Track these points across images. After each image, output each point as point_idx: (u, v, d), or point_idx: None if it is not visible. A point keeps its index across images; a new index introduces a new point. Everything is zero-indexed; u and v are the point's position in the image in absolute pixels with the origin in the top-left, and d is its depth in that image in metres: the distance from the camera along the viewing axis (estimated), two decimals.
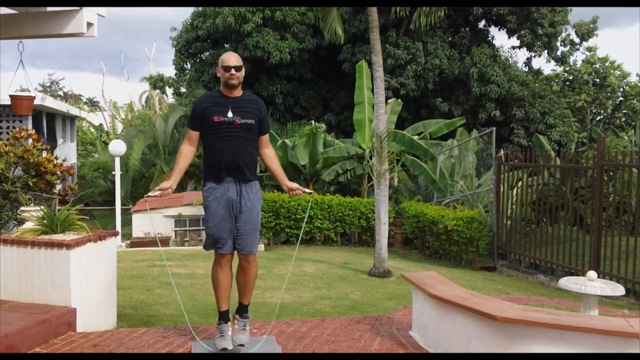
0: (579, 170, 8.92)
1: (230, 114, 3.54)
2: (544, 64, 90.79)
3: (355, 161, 14.23)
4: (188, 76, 21.24)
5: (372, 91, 8.54)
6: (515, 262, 9.24)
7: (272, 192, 11.72)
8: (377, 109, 8.38)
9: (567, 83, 23.42)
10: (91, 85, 75.97)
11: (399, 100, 15.22)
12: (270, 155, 3.80)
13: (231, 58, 3.58)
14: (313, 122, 14.79)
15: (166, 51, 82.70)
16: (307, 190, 3.75)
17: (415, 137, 14.86)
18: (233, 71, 3.54)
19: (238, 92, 3.65)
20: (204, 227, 3.83)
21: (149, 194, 3.55)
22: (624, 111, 22.54)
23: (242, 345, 3.61)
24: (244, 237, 3.59)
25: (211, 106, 3.57)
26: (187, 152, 3.65)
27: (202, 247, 3.69)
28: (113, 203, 14.03)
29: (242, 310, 3.77)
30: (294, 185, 3.77)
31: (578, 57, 25.43)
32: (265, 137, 3.77)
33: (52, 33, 5.05)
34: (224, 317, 3.72)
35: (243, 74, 3.63)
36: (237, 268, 3.72)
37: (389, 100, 14.58)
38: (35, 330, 3.87)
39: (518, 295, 6.89)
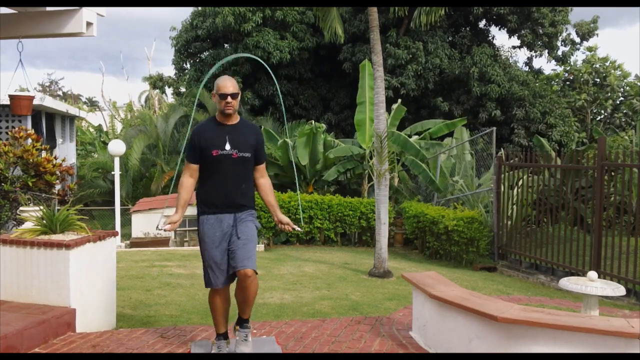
0: (579, 170, 8.92)
1: (227, 147, 3.49)
2: (545, 64, 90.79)
3: (355, 161, 14.22)
4: (188, 76, 21.23)
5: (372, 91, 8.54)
6: (516, 263, 9.23)
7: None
8: (377, 109, 8.36)
9: (568, 83, 23.42)
10: (91, 85, 75.99)
11: (399, 100, 15.22)
12: (265, 185, 3.73)
13: (227, 85, 3.49)
14: (313, 121, 14.78)
15: (166, 51, 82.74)
16: (297, 228, 3.67)
17: (416, 137, 14.88)
18: (229, 99, 3.47)
19: (235, 119, 3.59)
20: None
21: (159, 227, 3.54)
22: (624, 111, 22.54)
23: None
24: (238, 248, 3.47)
25: (208, 138, 3.51)
26: (189, 185, 3.60)
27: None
28: (112, 203, 14.02)
29: (243, 321, 3.69)
30: (285, 219, 3.68)
31: (578, 57, 25.42)
32: (262, 167, 3.72)
33: (52, 33, 5.04)
34: (222, 336, 3.71)
35: (239, 99, 3.56)
36: (236, 286, 3.62)
37: (393, 105, 14.59)
38: (34, 331, 3.86)
39: (518, 296, 6.88)
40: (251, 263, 3.46)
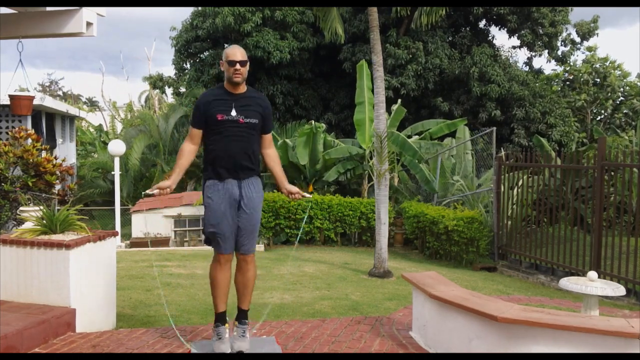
0: (579, 170, 8.92)
1: (233, 112, 3.45)
2: (545, 64, 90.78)
3: (355, 161, 14.22)
4: (188, 76, 21.23)
5: (372, 91, 8.53)
6: (516, 263, 9.23)
7: (272, 192, 11.71)
8: (377, 109, 8.36)
9: (568, 83, 23.42)
10: (91, 85, 76.09)
11: (399, 101, 15.22)
12: (272, 155, 3.71)
13: (236, 52, 3.48)
14: (313, 121, 14.78)
15: (166, 51, 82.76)
16: (307, 195, 3.66)
17: (416, 137, 14.87)
18: (238, 66, 3.44)
19: (242, 89, 3.55)
20: (203, 227, 3.73)
21: (147, 191, 3.45)
22: (624, 111, 22.54)
23: (242, 352, 3.56)
24: (243, 236, 3.53)
25: (215, 104, 3.47)
26: (189, 151, 3.56)
27: (202, 247, 3.65)
28: (112, 203, 14.02)
29: (241, 316, 3.70)
30: (294, 188, 3.68)
31: (578, 57, 25.43)
32: (268, 137, 3.69)
33: (52, 33, 5.04)
34: (221, 318, 3.66)
35: (247, 69, 3.52)
36: (235, 269, 3.66)
37: (393, 106, 14.59)
38: (34, 331, 3.86)
39: (518, 296, 6.88)
40: (254, 249, 3.62)
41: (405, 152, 12.93)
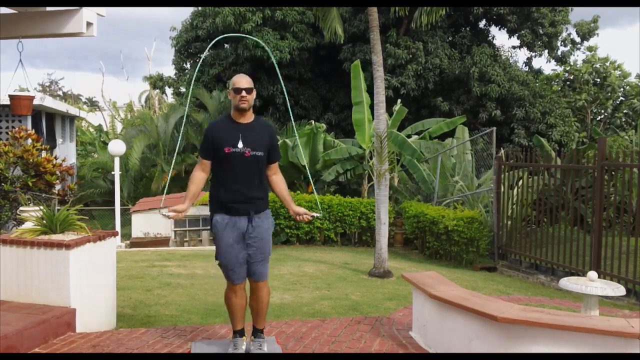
0: (579, 170, 8.91)
1: (240, 145, 3.49)
2: (545, 64, 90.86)
3: (355, 161, 14.22)
4: (188, 76, 21.25)
5: (372, 91, 8.54)
6: (516, 263, 9.23)
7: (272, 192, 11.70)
8: (377, 109, 8.36)
9: (568, 83, 23.42)
10: (91, 85, 76.12)
11: (398, 101, 15.22)
12: (278, 181, 3.74)
13: (242, 80, 3.54)
14: (313, 122, 14.79)
15: (166, 51, 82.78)
16: (316, 215, 3.68)
17: (415, 137, 14.88)
18: (244, 93, 3.49)
19: (249, 117, 3.59)
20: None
21: (163, 212, 3.55)
22: (624, 111, 22.55)
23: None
24: (255, 264, 3.57)
25: (222, 135, 3.52)
26: (200, 179, 3.62)
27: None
28: (113, 203, 14.02)
29: (257, 332, 3.73)
30: (301, 210, 3.71)
31: (578, 57, 25.43)
32: (275, 165, 3.72)
33: (52, 33, 5.04)
34: (238, 333, 3.71)
35: (254, 96, 3.58)
36: (249, 293, 3.68)
37: (395, 107, 14.59)
38: (34, 331, 3.86)
39: (518, 296, 6.88)
40: (265, 274, 3.65)
41: (404, 151, 12.94)
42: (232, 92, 3.53)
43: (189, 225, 13.17)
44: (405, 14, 11.23)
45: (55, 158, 5.81)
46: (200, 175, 3.62)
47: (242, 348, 3.64)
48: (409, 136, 15.02)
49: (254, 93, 3.58)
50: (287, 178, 14.78)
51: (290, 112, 4.37)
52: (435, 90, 19.24)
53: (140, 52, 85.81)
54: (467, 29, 21.20)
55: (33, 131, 6.11)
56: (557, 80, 23.80)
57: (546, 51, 21.72)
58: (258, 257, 3.56)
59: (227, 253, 3.51)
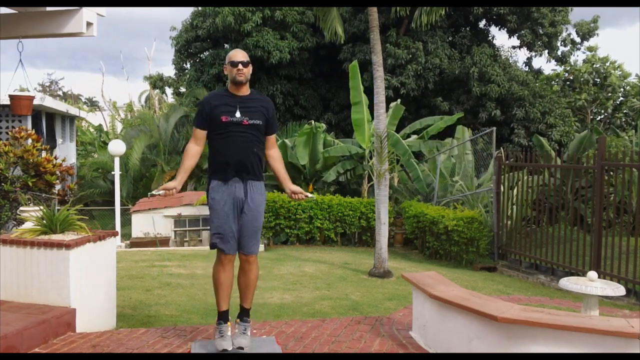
0: (579, 170, 8.91)
1: (238, 114, 3.51)
2: (545, 64, 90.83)
3: (355, 161, 14.22)
4: (188, 76, 21.25)
5: (372, 91, 8.54)
6: (516, 263, 9.23)
7: (272, 192, 11.71)
8: (377, 109, 8.36)
9: (568, 83, 23.43)
10: (90, 85, 76.09)
11: (398, 101, 15.21)
12: (275, 156, 3.76)
13: (238, 54, 3.56)
14: (313, 121, 14.79)
15: (166, 51, 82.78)
16: (310, 195, 3.71)
17: (414, 137, 14.88)
18: (240, 66, 3.51)
19: (246, 90, 3.61)
20: (206, 227, 3.78)
21: (153, 192, 3.51)
22: (624, 111, 22.55)
23: (242, 348, 3.58)
24: (246, 237, 3.58)
25: (219, 105, 3.53)
26: (194, 152, 3.61)
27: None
28: (113, 203, 14.02)
29: (243, 314, 3.74)
30: (297, 188, 3.73)
31: (579, 57, 25.43)
32: (272, 138, 3.73)
33: (52, 33, 5.04)
34: (223, 317, 3.69)
35: (250, 70, 3.59)
36: (238, 270, 3.70)
37: (392, 104, 14.58)
38: (34, 331, 3.86)
39: (518, 296, 6.88)
40: (257, 250, 3.66)
41: (397, 151, 12.96)
42: (228, 65, 3.55)
43: (189, 225, 13.18)
44: (405, 14, 11.25)
45: (55, 158, 5.80)
46: (194, 149, 3.60)
47: (228, 334, 3.64)
48: (408, 136, 15.03)
49: (251, 67, 3.60)
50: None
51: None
52: (435, 90, 19.24)
53: (140, 52, 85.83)
54: (467, 29, 21.20)
55: (33, 131, 6.11)
56: (557, 80, 23.81)
57: (546, 51, 21.72)
58: (250, 228, 3.55)
59: (222, 220, 3.51)
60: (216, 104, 3.54)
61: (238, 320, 3.73)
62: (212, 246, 3.62)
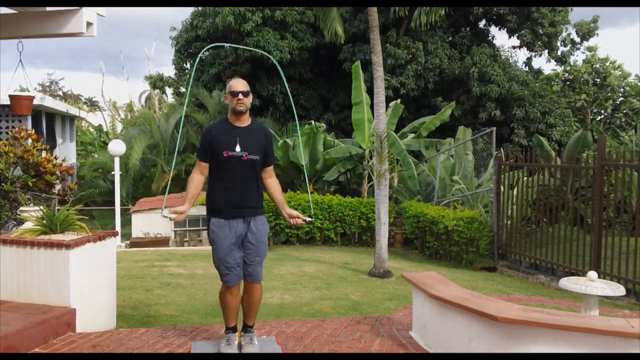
0: (579, 170, 8.91)
1: (238, 148, 3.55)
2: (544, 64, 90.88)
3: (355, 161, 14.22)
4: (188, 76, 21.25)
5: (372, 91, 8.55)
6: (516, 263, 9.23)
7: None
8: (377, 109, 8.36)
9: (568, 83, 23.42)
10: (90, 85, 76.03)
11: (398, 101, 15.21)
12: (273, 184, 3.80)
13: (238, 84, 3.62)
14: (313, 121, 14.78)
15: (166, 51, 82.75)
16: (307, 219, 3.75)
17: (412, 136, 14.88)
18: (241, 96, 3.55)
19: (246, 121, 3.65)
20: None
21: (164, 214, 3.59)
22: (624, 111, 22.54)
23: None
24: (251, 266, 3.64)
25: (220, 138, 3.57)
26: (199, 181, 3.67)
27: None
28: (113, 203, 14.02)
29: (247, 327, 3.81)
30: (294, 212, 3.78)
31: (578, 57, 25.41)
32: (270, 169, 3.79)
33: (52, 33, 5.04)
34: (232, 330, 3.78)
35: (250, 99, 3.64)
36: (243, 291, 3.77)
37: (391, 103, 14.58)
38: (34, 331, 3.86)
39: (518, 296, 6.88)
40: (260, 277, 3.72)
41: (394, 150, 12.97)
42: (229, 95, 3.60)
43: (189, 225, 13.18)
44: (405, 14, 11.24)
45: (55, 158, 5.81)
46: (198, 178, 3.68)
47: (235, 343, 3.71)
48: (407, 135, 15.04)
49: (251, 96, 3.65)
50: (287, 178, 14.74)
51: (294, 110, 4.36)
52: (435, 90, 19.24)
53: (140, 52, 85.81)
54: (467, 29, 21.20)
55: (33, 131, 6.11)
56: (557, 80, 23.80)
57: (546, 51, 21.72)
58: (255, 259, 3.64)
59: (226, 256, 3.56)
60: (217, 135, 3.59)
61: (242, 333, 3.81)
62: (223, 282, 3.66)
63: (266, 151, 3.69)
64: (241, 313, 3.82)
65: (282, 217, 3.94)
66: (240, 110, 3.58)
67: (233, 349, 3.65)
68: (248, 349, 3.64)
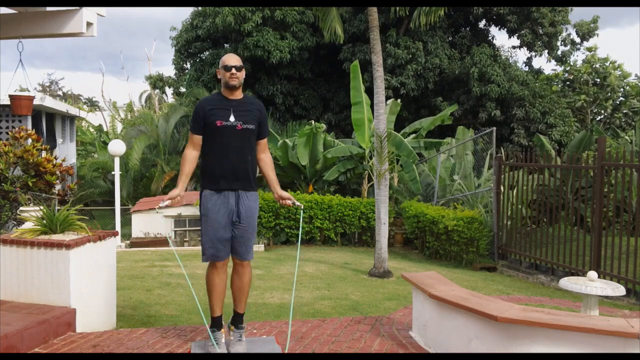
0: (579, 170, 8.91)
1: (232, 118, 3.54)
2: (544, 64, 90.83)
3: (355, 161, 14.23)
4: (188, 76, 21.24)
5: (372, 91, 8.55)
6: (516, 262, 9.23)
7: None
8: (377, 109, 8.37)
9: (567, 83, 23.41)
10: (90, 85, 75.96)
11: (398, 100, 15.22)
12: (266, 160, 3.78)
13: (231, 58, 3.60)
14: (313, 121, 14.78)
15: (166, 51, 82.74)
16: (297, 203, 3.74)
17: (412, 136, 14.88)
18: (234, 70, 3.54)
19: (239, 94, 3.64)
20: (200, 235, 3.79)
21: (160, 204, 3.54)
22: (624, 111, 22.54)
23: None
24: (241, 244, 3.60)
25: (213, 110, 3.55)
26: (192, 157, 3.63)
27: (201, 254, 3.67)
28: (113, 203, 14.02)
29: (238, 320, 3.75)
30: (286, 194, 3.75)
31: (578, 57, 25.40)
32: (264, 142, 3.76)
33: (52, 33, 5.04)
34: (217, 323, 3.70)
35: (244, 74, 3.63)
36: (231, 273, 3.72)
37: (388, 102, 14.57)
38: (34, 331, 3.87)
39: (518, 296, 6.88)
40: (251, 255, 3.69)
41: (401, 152, 12.97)
42: (222, 70, 3.58)
43: (189, 225, 13.18)
44: (405, 14, 11.25)
45: (55, 158, 5.81)
46: (192, 154, 3.63)
47: (222, 342, 3.65)
48: (408, 135, 15.04)
49: (244, 71, 3.64)
50: (287, 178, 14.72)
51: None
52: (435, 90, 19.24)
53: (140, 52, 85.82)
54: (467, 29, 21.19)
55: (33, 131, 6.11)
56: (557, 80, 23.80)
57: (546, 51, 21.71)
58: (245, 236, 3.60)
59: (215, 229, 3.53)
60: (210, 108, 3.56)
61: (232, 327, 3.74)
62: (206, 259, 3.61)
63: (260, 122, 3.66)
64: (232, 313, 3.80)
65: (283, 207, 3.89)
66: (233, 84, 3.56)
67: (222, 349, 3.59)
68: (236, 348, 3.60)
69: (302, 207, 3.92)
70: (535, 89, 19.45)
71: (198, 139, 3.61)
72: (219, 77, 3.64)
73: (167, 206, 3.52)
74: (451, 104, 19.12)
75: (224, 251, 3.58)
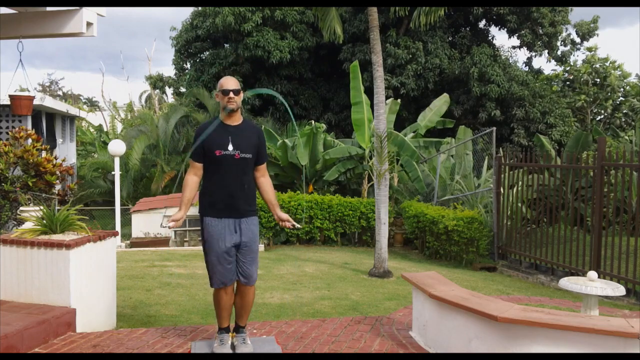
0: (579, 170, 8.91)
1: (230, 147, 3.56)
2: (544, 64, 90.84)
3: (355, 161, 14.23)
4: (188, 76, 21.24)
5: (372, 91, 8.55)
6: (516, 262, 9.23)
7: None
8: (377, 109, 8.37)
9: (567, 83, 23.42)
10: (90, 85, 75.92)
11: (397, 100, 15.22)
12: (265, 183, 3.81)
13: (229, 82, 3.60)
14: (313, 121, 14.78)
15: (166, 51, 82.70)
16: (297, 225, 3.77)
17: (412, 135, 14.89)
18: (231, 94, 3.55)
19: (238, 119, 3.65)
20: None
21: (163, 224, 3.58)
22: (624, 111, 22.54)
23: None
24: (244, 267, 3.64)
25: (213, 138, 3.56)
26: (194, 182, 3.67)
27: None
28: (113, 203, 14.02)
29: (239, 328, 3.81)
30: (285, 216, 3.78)
31: (578, 57, 25.40)
32: (263, 167, 3.79)
33: (52, 33, 5.04)
34: (225, 330, 3.78)
35: (241, 98, 3.63)
36: (236, 292, 3.75)
37: (387, 101, 14.58)
38: (34, 331, 3.87)
39: (518, 296, 6.88)
40: (254, 280, 3.72)
41: (404, 152, 12.97)
42: (220, 94, 3.59)
43: (189, 225, 13.17)
44: (405, 14, 11.25)
45: (55, 158, 5.81)
46: (193, 180, 3.67)
47: (228, 343, 3.71)
48: (406, 135, 15.04)
49: (242, 94, 3.64)
50: (287, 178, 14.69)
51: (290, 112, 4.33)
52: (435, 90, 19.24)
53: (140, 52, 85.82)
54: (467, 29, 21.19)
55: (33, 131, 6.11)
56: (557, 80, 23.80)
57: (546, 51, 21.72)
58: (248, 258, 3.63)
59: (219, 257, 3.56)
60: (210, 136, 3.58)
61: (234, 334, 3.80)
62: (217, 285, 3.64)
63: (259, 149, 3.68)
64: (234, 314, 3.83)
65: (280, 217, 3.88)
66: (231, 108, 3.57)
67: (227, 349, 3.65)
68: (242, 349, 3.64)
69: (302, 227, 3.95)
70: (535, 89, 19.46)
71: (199, 166, 3.65)
72: (217, 100, 3.67)
73: (169, 227, 3.55)
74: (451, 103, 19.13)
75: (230, 276, 3.62)
